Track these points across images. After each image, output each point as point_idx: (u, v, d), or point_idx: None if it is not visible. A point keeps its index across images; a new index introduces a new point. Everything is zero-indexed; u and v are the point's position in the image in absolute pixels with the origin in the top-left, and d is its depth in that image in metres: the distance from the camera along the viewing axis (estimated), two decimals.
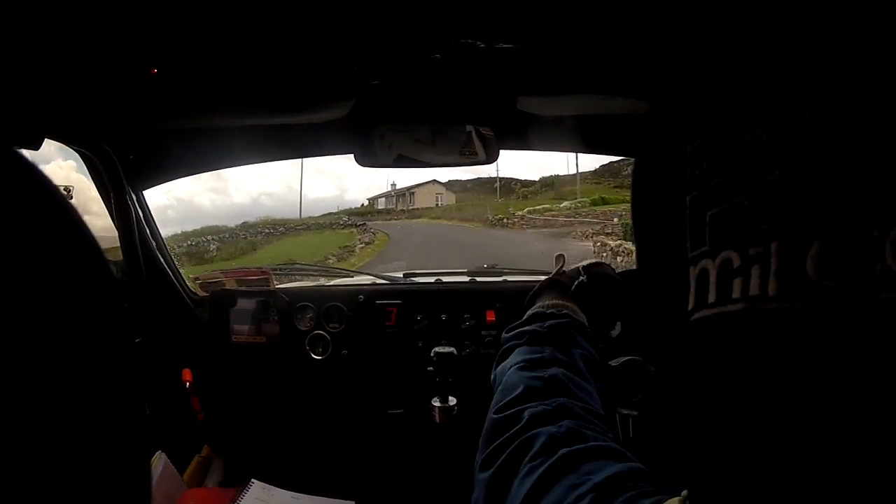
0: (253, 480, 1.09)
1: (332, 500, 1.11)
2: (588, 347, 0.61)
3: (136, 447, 0.23)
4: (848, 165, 0.18)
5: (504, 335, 0.66)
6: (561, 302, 0.70)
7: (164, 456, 1.01)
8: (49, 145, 0.89)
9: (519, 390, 0.50)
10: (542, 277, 1.39)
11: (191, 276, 1.31)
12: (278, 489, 1.11)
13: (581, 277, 0.74)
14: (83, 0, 0.62)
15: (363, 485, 1.22)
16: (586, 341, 0.62)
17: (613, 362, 0.96)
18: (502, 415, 0.48)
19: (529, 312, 0.69)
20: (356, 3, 0.68)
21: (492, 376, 0.61)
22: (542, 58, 0.86)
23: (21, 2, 0.59)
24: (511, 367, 0.57)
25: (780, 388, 0.19)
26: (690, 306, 0.22)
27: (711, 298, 0.21)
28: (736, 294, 0.20)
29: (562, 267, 0.77)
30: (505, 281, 1.32)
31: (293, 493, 1.11)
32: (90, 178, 1.08)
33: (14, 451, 0.18)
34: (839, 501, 0.18)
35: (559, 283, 0.74)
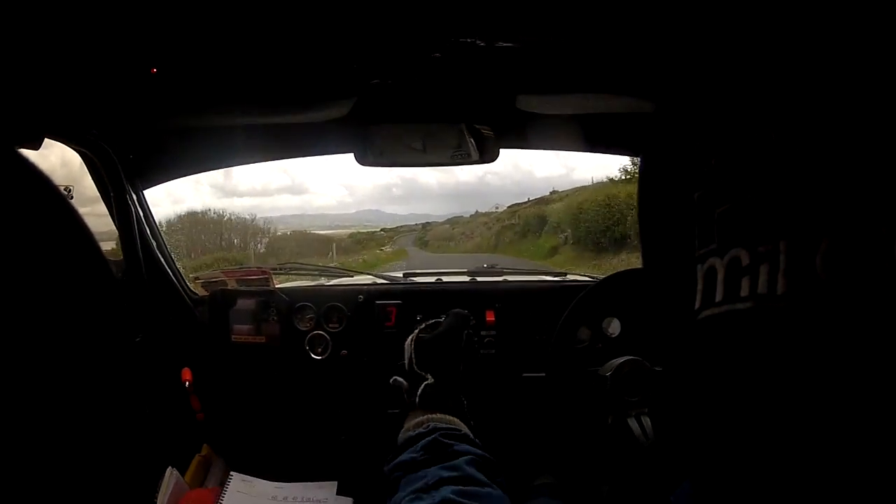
0: (233, 473, 1.09)
1: (312, 483, 1.10)
2: (472, 449, 0.57)
3: (135, 445, 0.23)
4: (857, 164, 0.18)
5: (385, 469, 0.61)
6: (422, 418, 0.64)
7: (175, 472, 1.01)
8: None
9: None
10: (543, 277, 1.40)
11: (191, 275, 1.31)
12: (259, 480, 1.10)
13: (424, 375, 0.67)
14: (83, 0, 0.61)
15: (363, 484, 1.22)
16: (467, 444, 0.58)
17: (613, 363, 0.97)
18: None
19: (400, 443, 0.63)
20: (356, 3, 0.68)
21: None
22: (542, 56, 0.86)
23: (21, 2, 0.59)
24: (400, 502, 0.52)
25: (789, 385, 0.19)
26: (698, 305, 0.22)
27: (719, 297, 0.21)
28: (744, 292, 0.20)
29: (403, 388, 0.69)
30: (505, 281, 1.32)
31: (276, 483, 1.11)
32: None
33: (14, 449, 0.18)
34: (847, 495, 0.18)
35: (407, 404, 0.68)
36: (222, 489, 1.06)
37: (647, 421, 0.92)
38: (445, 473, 0.53)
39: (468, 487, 0.50)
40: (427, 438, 0.58)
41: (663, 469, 0.89)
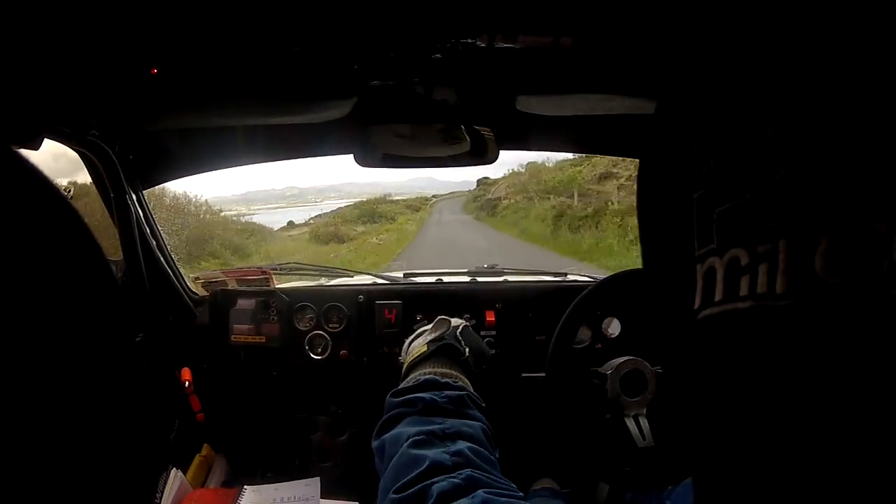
0: (245, 487, 1.09)
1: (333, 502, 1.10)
2: (484, 420, 0.58)
3: (136, 445, 0.23)
4: (856, 163, 0.18)
5: (390, 399, 0.62)
6: (453, 371, 0.65)
7: (179, 472, 1.01)
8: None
9: (423, 466, 0.47)
10: (543, 277, 1.40)
11: (191, 275, 1.31)
12: (270, 487, 1.10)
13: (464, 348, 0.70)
14: (83, 0, 0.62)
15: (363, 484, 1.22)
16: (481, 413, 0.60)
17: (613, 362, 0.97)
18: (405, 493, 0.46)
19: (419, 378, 0.63)
20: (356, 3, 0.69)
21: (375, 443, 0.57)
22: (541, 57, 0.86)
23: (21, 2, 0.59)
24: (407, 439, 0.52)
25: (789, 385, 0.19)
26: (697, 304, 0.22)
27: (718, 296, 0.21)
28: (743, 292, 0.20)
29: (445, 331, 0.72)
30: (506, 281, 1.32)
31: (275, 485, 1.11)
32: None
33: (14, 449, 0.18)
34: (847, 495, 0.18)
35: (447, 348, 0.69)
36: (237, 498, 1.06)
37: (644, 422, 0.92)
38: (465, 429, 0.54)
39: (481, 450, 0.51)
40: (456, 392, 0.60)
41: (659, 470, 0.89)
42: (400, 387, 0.64)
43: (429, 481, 0.46)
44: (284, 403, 1.32)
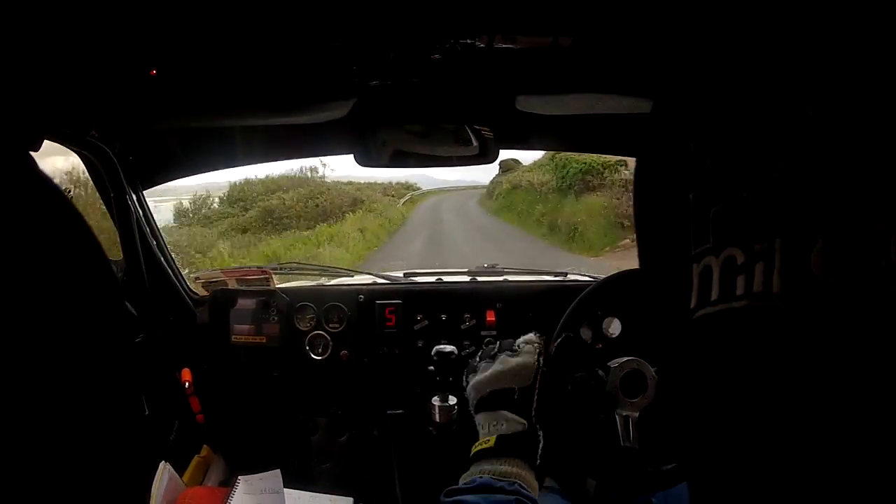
0: (240, 478, 1.08)
1: (328, 496, 1.10)
2: None
3: (134, 444, 0.23)
4: (852, 162, 0.18)
5: (442, 499, 0.59)
6: (514, 469, 0.61)
7: (168, 466, 1.00)
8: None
9: None
10: (543, 277, 1.40)
11: (191, 275, 1.32)
12: (267, 480, 1.10)
13: (537, 430, 0.65)
14: (83, 0, 0.62)
15: (362, 483, 1.22)
16: None
17: (612, 363, 0.96)
18: None
19: (475, 479, 0.60)
20: (356, 4, 0.69)
21: None
22: (541, 57, 0.86)
23: (21, 2, 0.59)
24: None
25: (786, 383, 0.19)
26: (693, 304, 0.22)
27: (715, 295, 0.21)
28: (740, 291, 0.20)
29: (540, 358, 0.68)
30: (506, 281, 1.32)
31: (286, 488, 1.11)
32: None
33: (14, 447, 0.18)
34: (844, 493, 0.18)
35: (516, 444, 0.64)
36: (230, 492, 1.05)
37: (632, 424, 0.91)
38: None
39: None
40: (506, 497, 0.58)
41: (636, 473, 0.89)
42: (456, 486, 0.62)
43: None
44: (284, 404, 1.32)
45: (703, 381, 0.22)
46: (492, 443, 0.64)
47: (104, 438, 0.22)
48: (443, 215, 13.82)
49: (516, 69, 0.91)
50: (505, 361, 0.70)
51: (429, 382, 1.08)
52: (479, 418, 0.68)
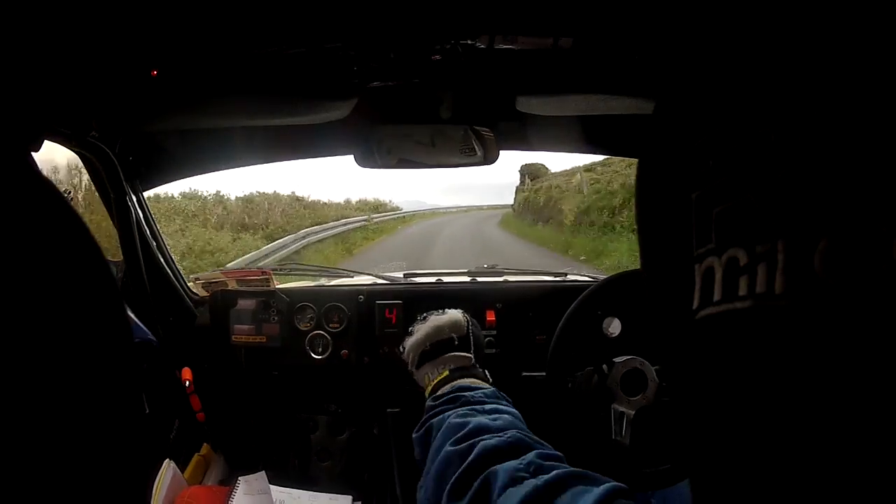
0: (240, 479, 1.09)
1: (327, 495, 1.10)
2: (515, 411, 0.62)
3: (134, 445, 0.23)
4: (856, 162, 0.18)
5: (429, 402, 0.66)
6: (477, 380, 0.70)
7: (172, 464, 1.01)
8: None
9: (470, 426, 0.52)
10: (543, 277, 1.40)
11: (191, 276, 1.32)
12: (262, 481, 1.10)
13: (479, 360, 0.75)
14: (83, 0, 0.62)
15: (362, 481, 1.22)
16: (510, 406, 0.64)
17: (617, 359, 0.96)
18: (458, 447, 0.50)
19: (453, 386, 0.68)
20: (356, 4, 0.69)
21: (417, 434, 0.61)
22: (541, 58, 0.86)
23: (21, 3, 0.59)
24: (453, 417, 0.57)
25: (788, 385, 0.19)
26: (695, 304, 0.22)
27: (717, 296, 0.21)
28: (742, 291, 0.20)
29: (456, 337, 0.76)
30: (506, 281, 1.32)
31: (282, 487, 1.11)
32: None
33: (13, 449, 0.18)
34: (846, 495, 0.18)
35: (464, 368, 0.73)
36: (231, 491, 1.05)
37: (627, 421, 0.91)
38: (504, 408, 0.60)
39: (523, 424, 0.57)
40: (490, 388, 0.67)
41: (624, 469, 0.89)
42: (436, 393, 0.68)
43: (477, 438, 0.49)
44: (285, 403, 1.32)
45: (705, 381, 0.22)
46: (446, 373, 0.71)
47: (105, 436, 0.22)
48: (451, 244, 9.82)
49: (517, 70, 0.91)
50: (437, 318, 0.78)
51: None
52: (425, 369, 0.74)
